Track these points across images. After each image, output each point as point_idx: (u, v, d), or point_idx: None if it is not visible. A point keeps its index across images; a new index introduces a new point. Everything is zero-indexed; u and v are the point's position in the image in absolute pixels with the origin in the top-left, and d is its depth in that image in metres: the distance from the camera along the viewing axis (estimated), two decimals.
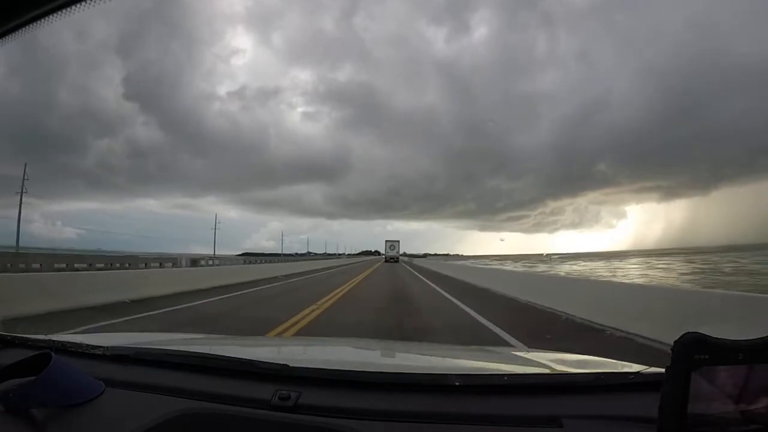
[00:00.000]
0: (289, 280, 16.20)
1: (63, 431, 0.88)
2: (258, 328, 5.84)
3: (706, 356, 0.57)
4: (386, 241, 74.20)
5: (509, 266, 38.69)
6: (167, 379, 1.06)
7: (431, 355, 1.80)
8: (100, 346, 1.21)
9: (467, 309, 7.93)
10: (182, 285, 10.55)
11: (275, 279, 16.20)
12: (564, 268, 43.45)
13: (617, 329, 5.17)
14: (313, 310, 7.36)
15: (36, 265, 20.98)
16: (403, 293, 11.77)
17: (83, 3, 0.76)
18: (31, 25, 0.78)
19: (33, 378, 0.91)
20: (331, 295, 10.33)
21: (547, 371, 1.26)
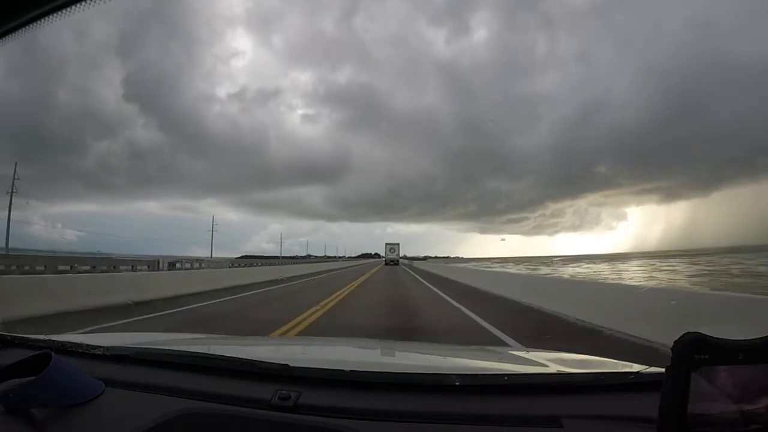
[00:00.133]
0: (273, 287, 13.98)
1: (63, 431, 0.88)
2: None
3: (706, 356, 0.57)
4: (386, 243, 74.30)
5: (512, 269, 38.46)
6: (167, 379, 1.06)
7: (431, 355, 1.80)
8: (100, 346, 1.21)
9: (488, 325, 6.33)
10: (122, 294, 8.29)
11: (255, 286, 13.51)
12: (568, 271, 43.08)
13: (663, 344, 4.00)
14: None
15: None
16: (405, 303, 10.04)
17: (83, 3, 0.76)
18: (31, 25, 0.78)
19: (33, 378, 0.91)
20: (314, 310, 7.77)
21: (547, 371, 1.26)
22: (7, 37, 0.81)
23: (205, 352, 1.33)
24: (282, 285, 14.70)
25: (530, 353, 1.52)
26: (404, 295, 11.96)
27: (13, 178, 34.90)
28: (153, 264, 29.39)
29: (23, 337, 1.32)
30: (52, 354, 0.95)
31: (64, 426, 0.89)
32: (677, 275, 31.80)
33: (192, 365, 1.12)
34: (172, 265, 30.61)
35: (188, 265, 31.87)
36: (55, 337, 1.36)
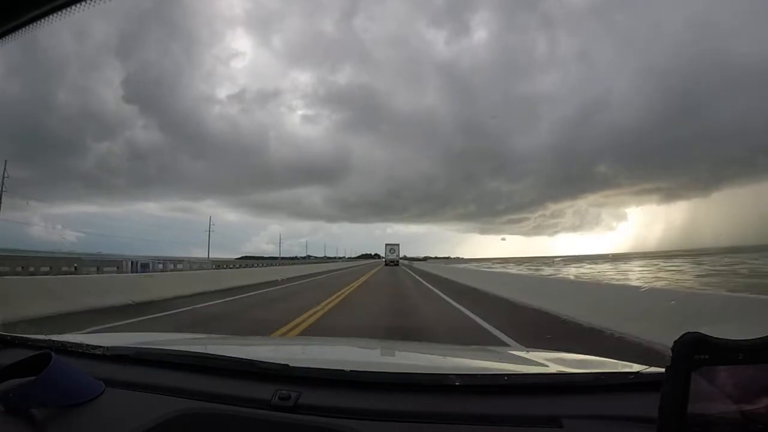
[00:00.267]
0: (271, 289, 13.25)
1: (63, 431, 0.88)
2: None
3: (706, 356, 0.57)
4: (386, 244, 74.41)
5: (513, 269, 38.23)
6: (167, 379, 1.07)
7: (431, 355, 1.80)
8: (100, 346, 1.21)
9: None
10: (122, 294, 7.86)
11: (234, 291, 11.63)
12: (571, 271, 42.66)
13: (663, 344, 3.92)
14: None
15: None
16: (405, 303, 9.96)
17: (83, 3, 0.76)
18: (31, 25, 0.78)
19: (33, 378, 0.91)
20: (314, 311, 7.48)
21: (547, 371, 1.26)
22: (7, 37, 0.81)
23: (205, 352, 1.34)
24: (281, 287, 14.64)
25: (530, 353, 1.52)
26: (404, 296, 11.95)
27: (3, 176, 33.91)
28: (121, 266, 25.97)
29: (23, 337, 1.32)
30: (52, 354, 0.95)
31: (64, 426, 0.89)
32: (684, 275, 31.25)
33: (192, 365, 1.12)
34: (144, 267, 27.41)
35: (162, 267, 28.96)
36: (55, 337, 1.36)
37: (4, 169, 33.73)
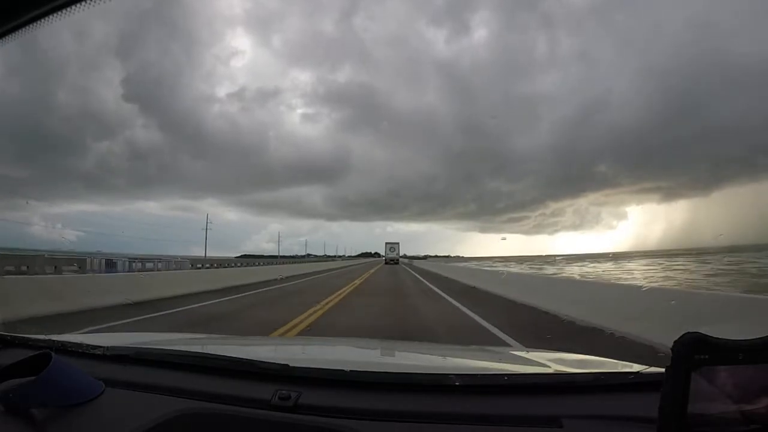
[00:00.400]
0: (270, 288, 12.88)
1: (63, 431, 0.88)
2: None
3: (706, 356, 0.57)
4: (386, 243, 74.19)
5: (515, 268, 38.02)
6: (167, 379, 1.06)
7: (431, 355, 1.80)
8: (100, 346, 1.21)
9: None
10: (121, 294, 7.88)
11: (251, 287, 11.68)
12: (574, 270, 42.02)
13: (663, 344, 3.81)
14: None
15: None
16: (405, 303, 9.78)
17: (83, 3, 0.76)
18: (31, 25, 0.78)
19: (33, 378, 0.91)
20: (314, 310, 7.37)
21: (547, 371, 1.26)
22: (7, 37, 0.81)
23: (205, 352, 1.33)
24: (279, 285, 14.62)
25: (530, 353, 1.52)
26: (404, 294, 11.97)
27: None
28: (85, 264, 20.94)
29: (23, 337, 1.32)
30: (52, 354, 0.95)
31: (64, 426, 0.89)
32: (693, 275, 30.57)
33: (192, 365, 1.12)
34: (109, 264, 22.53)
35: (133, 265, 24.47)
36: (55, 337, 1.36)
37: None
